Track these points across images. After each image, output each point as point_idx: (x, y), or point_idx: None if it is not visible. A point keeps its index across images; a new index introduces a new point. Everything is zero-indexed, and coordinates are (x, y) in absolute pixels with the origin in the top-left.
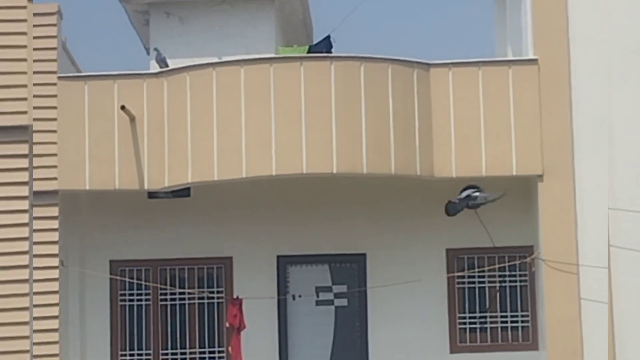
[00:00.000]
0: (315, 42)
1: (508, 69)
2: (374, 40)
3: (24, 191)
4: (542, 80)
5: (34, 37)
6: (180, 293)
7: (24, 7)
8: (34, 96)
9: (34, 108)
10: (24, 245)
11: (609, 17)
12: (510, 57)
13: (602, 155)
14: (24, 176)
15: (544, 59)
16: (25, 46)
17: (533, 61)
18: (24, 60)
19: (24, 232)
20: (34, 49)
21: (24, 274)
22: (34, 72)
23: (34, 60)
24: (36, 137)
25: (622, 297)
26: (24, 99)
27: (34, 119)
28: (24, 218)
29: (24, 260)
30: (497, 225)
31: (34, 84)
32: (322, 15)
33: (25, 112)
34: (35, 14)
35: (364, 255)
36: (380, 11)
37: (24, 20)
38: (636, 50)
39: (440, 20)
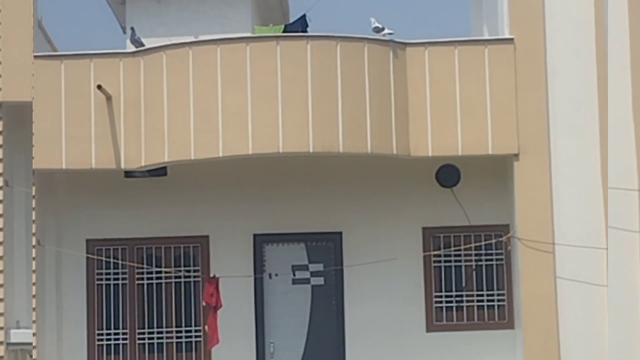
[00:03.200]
0: (291, 21)
1: (484, 48)
2: (350, 20)
3: None
4: (518, 60)
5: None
6: (156, 272)
7: None
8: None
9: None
10: None
11: None
12: (487, 37)
13: (577, 134)
14: None
15: (520, 38)
16: None
17: (509, 40)
18: None
19: None
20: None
21: None
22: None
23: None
24: None
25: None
26: None
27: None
28: None
29: None
30: (473, 203)
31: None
32: None
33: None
34: None
35: (340, 233)
36: None
37: None
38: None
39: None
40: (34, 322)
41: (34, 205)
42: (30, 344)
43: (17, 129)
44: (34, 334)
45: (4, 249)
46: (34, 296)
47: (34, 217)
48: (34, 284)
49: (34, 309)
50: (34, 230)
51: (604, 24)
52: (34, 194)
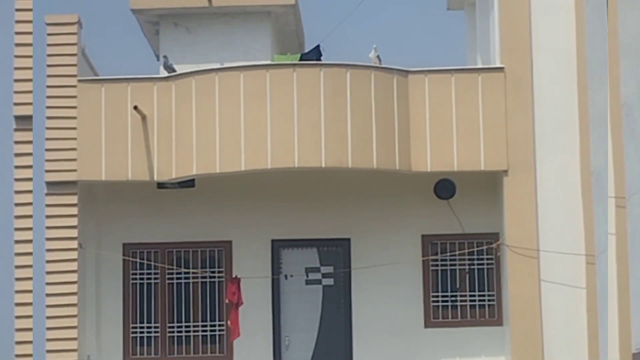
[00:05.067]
0: (306, 50)
1: (477, 76)
2: (359, 50)
3: (28, 174)
4: (508, 86)
5: (55, 45)
6: (185, 273)
7: (30, 22)
8: (55, 97)
9: (55, 107)
10: (27, 223)
11: (568, 29)
12: (480, 65)
13: (560, 153)
14: (27, 160)
15: (510, 67)
16: (30, 44)
17: (500, 69)
18: (30, 57)
19: (28, 210)
20: (57, 55)
21: (27, 247)
22: (54, 75)
23: (56, 65)
24: (57, 133)
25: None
26: (29, 92)
27: (53, 117)
28: (28, 198)
29: (29, 236)
30: (467, 214)
31: (53, 86)
32: (312, 27)
33: (30, 104)
34: (57, 24)
35: (348, 240)
36: (364, 24)
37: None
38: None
39: (418, 32)
40: (74, 316)
41: (75, 212)
42: None
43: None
44: (74, 327)
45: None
46: (74, 293)
47: (75, 223)
48: (74, 282)
49: (74, 304)
50: (75, 235)
51: (585, 55)
52: (76, 202)
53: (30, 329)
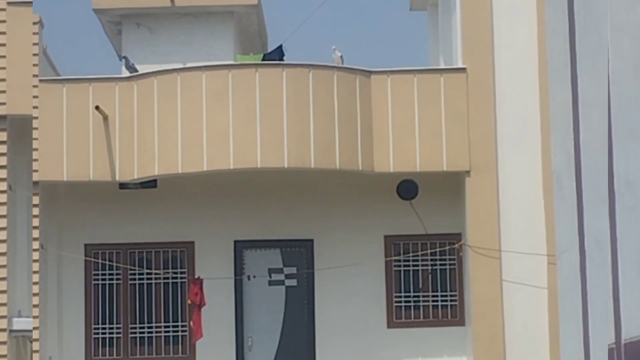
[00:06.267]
0: (269, 50)
1: (440, 77)
2: (321, 50)
3: (2, 174)
4: (470, 87)
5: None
6: (147, 273)
7: (4, 22)
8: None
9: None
10: (2, 222)
11: (529, 30)
12: (442, 66)
13: (522, 153)
14: (2, 160)
15: (472, 67)
16: (4, 44)
17: (462, 70)
18: (4, 57)
19: (2, 210)
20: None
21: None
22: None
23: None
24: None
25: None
26: (3, 92)
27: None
28: (3, 198)
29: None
30: (429, 215)
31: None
32: (275, 27)
33: (4, 104)
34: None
35: (311, 240)
36: (327, 24)
37: (4, 33)
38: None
39: (381, 33)
40: (36, 317)
41: (37, 213)
42: (31, 331)
43: (20, 139)
44: (36, 328)
45: (7, 247)
46: (36, 294)
47: (37, 224)
48: (36, 283)
49: (36, 305)
50: (37, 235)
51: (546, 55)
52: (37, 202)
53: None
